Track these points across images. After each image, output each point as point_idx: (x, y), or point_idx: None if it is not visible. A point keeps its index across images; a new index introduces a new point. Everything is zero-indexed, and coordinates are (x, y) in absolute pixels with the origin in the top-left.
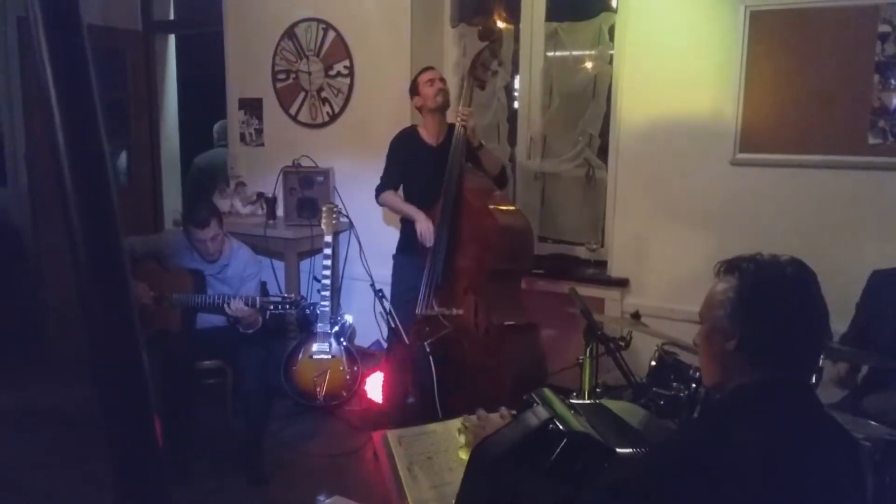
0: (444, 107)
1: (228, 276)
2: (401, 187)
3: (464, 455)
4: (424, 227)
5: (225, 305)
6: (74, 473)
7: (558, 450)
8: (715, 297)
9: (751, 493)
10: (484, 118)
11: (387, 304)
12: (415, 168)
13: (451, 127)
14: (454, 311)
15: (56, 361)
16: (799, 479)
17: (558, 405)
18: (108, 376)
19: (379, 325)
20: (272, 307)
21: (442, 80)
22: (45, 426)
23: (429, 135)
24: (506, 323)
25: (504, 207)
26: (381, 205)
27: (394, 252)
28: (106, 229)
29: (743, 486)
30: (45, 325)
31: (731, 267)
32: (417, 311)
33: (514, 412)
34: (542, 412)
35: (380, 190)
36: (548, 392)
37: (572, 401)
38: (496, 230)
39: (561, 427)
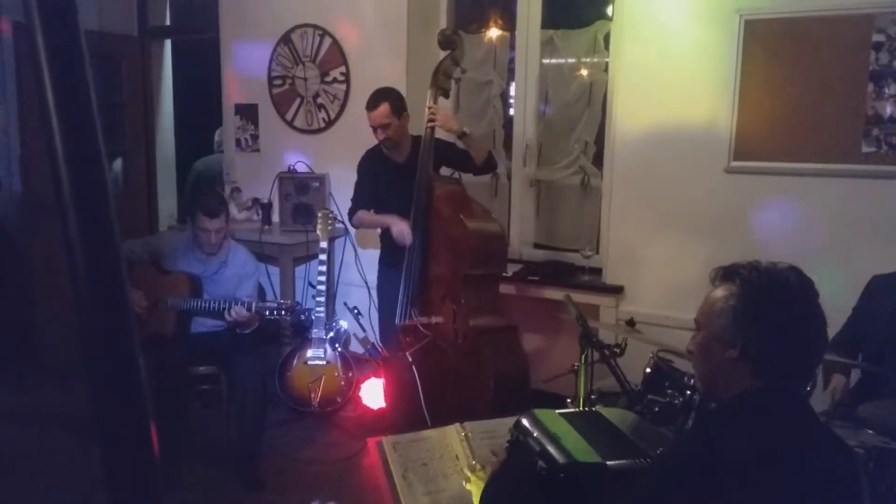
0: (396, 145)
1: (226, 276)
2: (372, 210)
3: (471, 487)
4: (400, 228)
5: (226, 312)
6: (68, 477)
7: (553, 484)
8: (714, 304)
9: (749, 502)
10: (479, 125)
11: (363, 321)
12: (384, 187)
13: (417, 140)
14: (433, 320)
15: (51, 366)
16: (797, 488)
17: (550, 427)
18: (105, 381)
19: (374, 332)
20: (268, 313)
21: (383, 126)
22: (39, 430)
23: (396, 152)
24: (482, 327)
25: (474, 212)
26: (356, 226)
27: (377, 263)
28: (103, 233)
29: (741, 496)
30: (40, 330)
31: (729, 274)
32: (396, 321)
33: (507, 444)
34: (531, 447)
35: (352, 212)
36: (539, 414)
37: (566, 410)
38: (467, 236)
39: (553, 460)
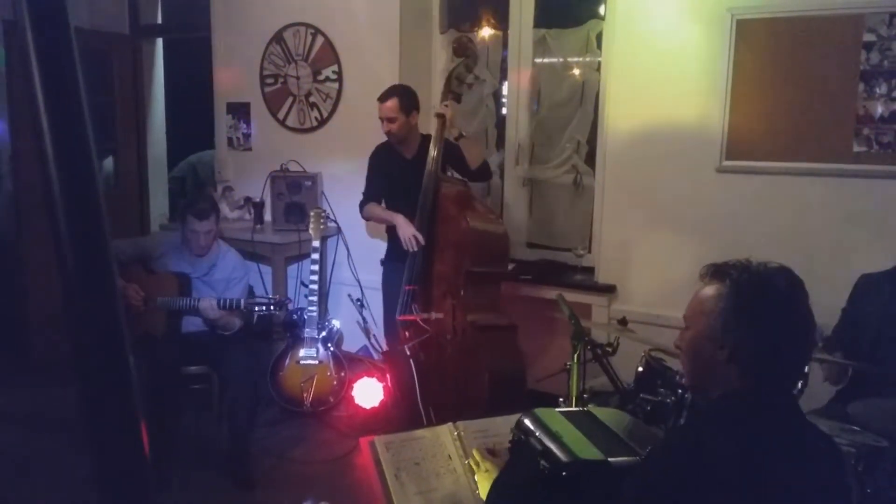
0: (401, 140)
1: (215, 280)
2: (382, 201)
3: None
4: (407, 232)
5: (197, 306)
6: (58, 479)
7: (557, 483)
8: (705, 303)
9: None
10: (471, 124)
11: (366, 313)
12: (393, 181)
13: (426, 137)
14: (433, 315)
15: (41, 366)
16: (784, 489)
17: (552, 425)
18: (95, 381)
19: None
20: (258, 309)
21: (389, 120)
22: (28, 431)
23: (404, 147)
24: (481, 324)
25: (479, 211)
26: (366, 218)
27: (382, 259)
28: (93, 233)
29: (728, 497)
30: (33, 329)
31: (720, 273)
32: (397, 315)
33: (509, 444)
34: (533, 446)
35: (362, 204)
36: (540, 413)
37: (563, 409)
38: (471, 234)
39: (556, 459)
